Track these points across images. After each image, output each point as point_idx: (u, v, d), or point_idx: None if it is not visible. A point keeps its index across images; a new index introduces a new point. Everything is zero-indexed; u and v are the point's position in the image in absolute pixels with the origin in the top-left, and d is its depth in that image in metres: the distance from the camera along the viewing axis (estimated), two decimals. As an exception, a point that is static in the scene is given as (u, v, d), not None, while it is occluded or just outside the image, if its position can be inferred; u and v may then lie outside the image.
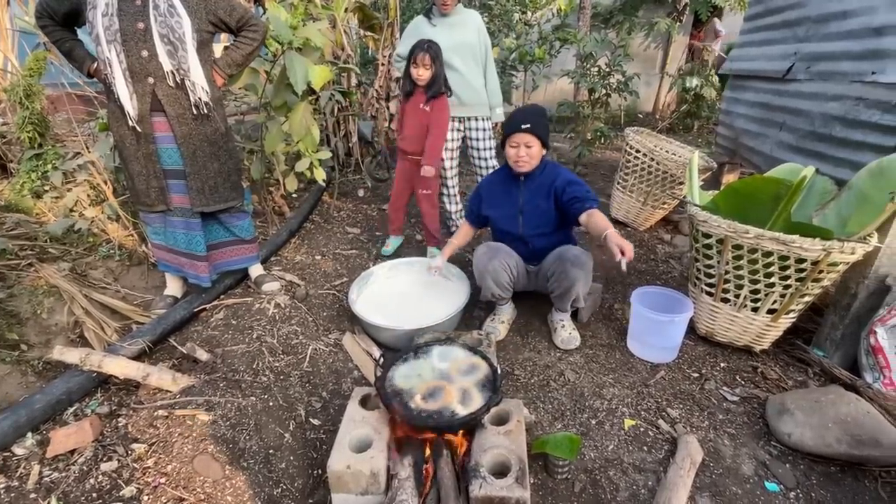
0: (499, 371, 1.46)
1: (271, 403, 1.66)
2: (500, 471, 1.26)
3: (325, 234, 3.13)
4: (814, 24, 2.51)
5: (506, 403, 1.44)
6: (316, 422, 1.66)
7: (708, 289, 1.93)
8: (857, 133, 1.99)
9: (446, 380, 1.46)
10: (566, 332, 2.02)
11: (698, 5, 6.33)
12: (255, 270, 2.38)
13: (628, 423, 1.63)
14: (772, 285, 1.73)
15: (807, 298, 1.76)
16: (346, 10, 3.95)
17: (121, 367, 1.63)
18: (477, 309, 2.32)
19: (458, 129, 2.78)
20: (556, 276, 1.94)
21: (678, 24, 6.70)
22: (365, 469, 1.25)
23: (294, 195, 3.67)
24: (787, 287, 1.72)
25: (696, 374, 1.87)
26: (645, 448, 1.54)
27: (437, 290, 2.25)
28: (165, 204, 1.98)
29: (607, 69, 4.15)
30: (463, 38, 2.58)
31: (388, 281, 2.38)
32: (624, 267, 1.56)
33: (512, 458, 1.26)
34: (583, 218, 1.82)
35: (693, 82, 5.70)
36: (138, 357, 1.80)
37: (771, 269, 1.70)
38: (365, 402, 1.48)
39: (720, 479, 1.43)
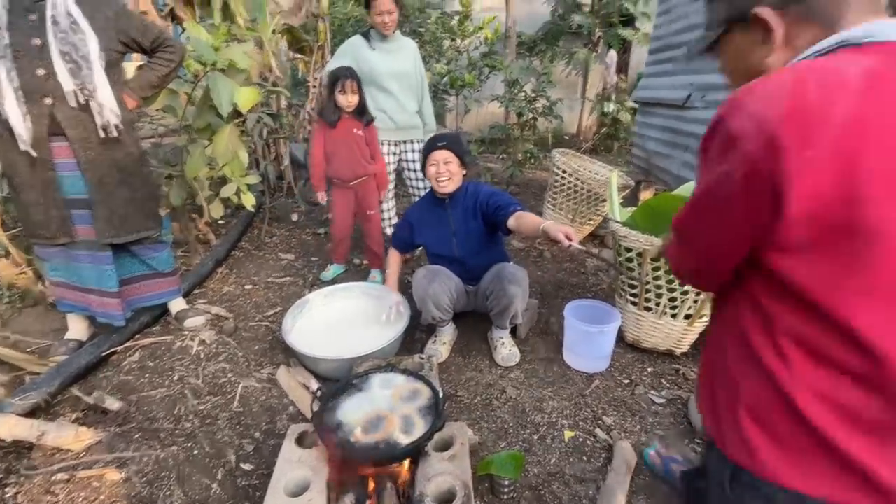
0: (441, 395, 1.45)
1: (196, 452, 1.52)
2: (447, 498, 1.24)
3: (255, 262, 2.97)
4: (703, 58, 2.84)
5: (449, 427, 1.43)
6: (248, 467, 1.54)
7: (632, 299, 2.07)
8: (746, 154, 2.26)
9: (388, 408, 1.42)
10: (506, 350, 2.06)
11: (610, 38, 6.94)
12: (176, 305, 2.19)
13: (568, 434, 1.68)
14: (686, 293, 1.89)
15: (716, 303, 1.94)
16: (273, 31, 3.88)
17: (8, 427, 1.41)
18: (418, 331, 2.30)
19: (394, 153, 2.80)
20: (494, 294, 1.98)
21: (594, 54, 7.29)
22: (303, 514, 1.17)
23: (221, 221, 3.48)
24: (698, 294, 1.88)
25: (626, 381, 1.97)
26: (584, 458, 1.59)
27: (377, 316, 2.20)
28: (69, 236, 1.78)
29: (533, 94, 4.40)
30: (400, 65, 2.62)
31: (324, 308, 2.30)
32: (578, 246, 1.60)
33: (457, 483, 1.24)
34: (511, 222, 1.87)
35: (610, 107, 6.21)
36: (32, 413, 1.57)
37: (684, 279, 1.86)
38: (301, 441, 1.40)
39: (653, 481, 1.51)
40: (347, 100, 2.35)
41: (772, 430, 0.63)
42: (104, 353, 1.89)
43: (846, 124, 0.52)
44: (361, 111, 2.43)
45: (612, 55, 6.83)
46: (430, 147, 1.99)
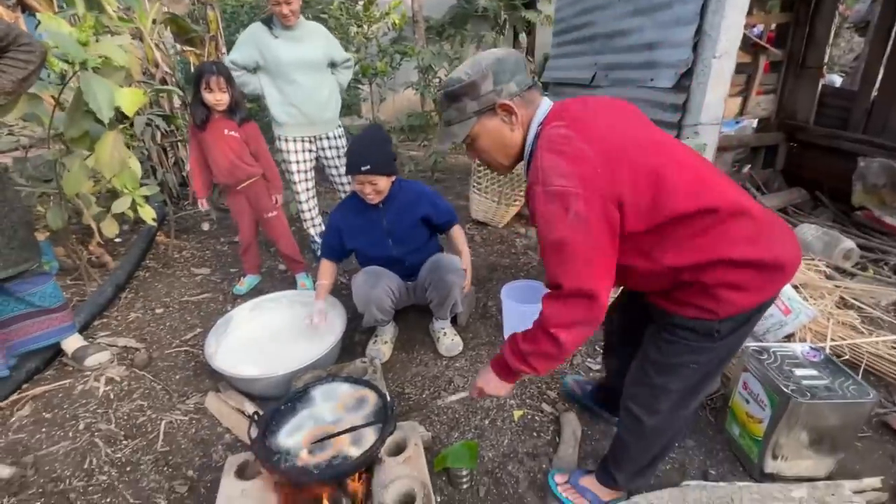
0: (388, 398, 1.41)
1: (118, 506, 1.35)
2: (406, 501, 1.21)
3: (165, 282, 2.68)
4: (605, 39, 3.00)
5: (401, 429, 1.40)
6: (184, 510, 1.40)
7: (562, 275, 2.16)
8: (648, 128, 2.44)
9: (334, 421, 1.35)
10: (449, 340, 2.06)
11: (516, 21, 7.10)
12: (72, 343, 1.91)
13: (517, 414, 1.72)
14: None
15: (636, 270, 2.09)
16: (154, 21, 3.46)
17: None
18: (357, 333, 2.22)
19: (310, 150, 2.64)
20: (433, 285, 1.96)
21: (501, 37, 7.43)
22: (253, 552, 1.08)
23: (118, 239, 3.09)
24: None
25: (565, 353, 2.06)
26: (535, 434, 1.64)
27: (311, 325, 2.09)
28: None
29: (448, 80, 4.37)
30: (307, 53, 2.43)
31: (251, 323, 2.13)
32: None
33: (415, 485, 1.22)
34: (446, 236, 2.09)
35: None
36: None
37: (607, 250, 1.97)
38: (242, 472, 1.29)
39: (599, 445, 1.60)
40: (215, 98, 2.13)
41: (736, 286, 0.98)
42: (-17, 413, 1.61)
43: (593, 149, 0.93)
44: (233, 109, 2.21)
45: (522, 39, 7.03)
46: (353, 169, 1.79)
